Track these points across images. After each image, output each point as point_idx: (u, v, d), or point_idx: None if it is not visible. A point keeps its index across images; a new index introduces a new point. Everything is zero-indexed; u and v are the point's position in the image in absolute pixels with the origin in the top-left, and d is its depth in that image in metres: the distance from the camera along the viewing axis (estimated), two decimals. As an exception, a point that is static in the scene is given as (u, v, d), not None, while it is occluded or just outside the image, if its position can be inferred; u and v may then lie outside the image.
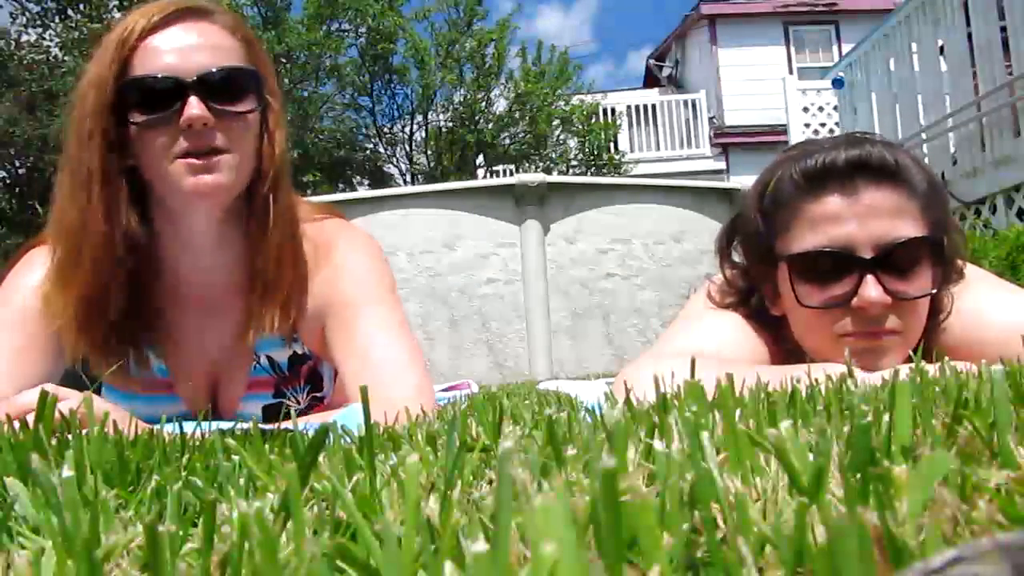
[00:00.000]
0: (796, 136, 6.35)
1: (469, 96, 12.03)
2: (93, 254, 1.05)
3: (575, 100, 12.18)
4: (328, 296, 1.15)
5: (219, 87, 1.05)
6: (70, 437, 0.63)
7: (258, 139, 1.11)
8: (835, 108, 6.24)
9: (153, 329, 1.14)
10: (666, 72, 14.46)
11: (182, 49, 1.04)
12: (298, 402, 1.23)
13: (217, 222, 1.11)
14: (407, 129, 12.69)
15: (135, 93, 1.03)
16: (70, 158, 1.06)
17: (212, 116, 1.03)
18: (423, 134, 12.64)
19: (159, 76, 1.02)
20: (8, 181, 9.87)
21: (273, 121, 1.13)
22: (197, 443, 0.64)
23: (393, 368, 1.08)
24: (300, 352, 1.22)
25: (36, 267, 1.12)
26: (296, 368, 1.23)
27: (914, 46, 4.89)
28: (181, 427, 0.72)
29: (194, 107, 1.01)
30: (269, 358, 1.21)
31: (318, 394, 1.26)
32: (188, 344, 1.18)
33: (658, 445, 0.41)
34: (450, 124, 12.27)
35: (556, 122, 12.09)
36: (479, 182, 8.50)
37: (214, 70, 1.05)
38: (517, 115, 12.03)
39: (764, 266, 1.16)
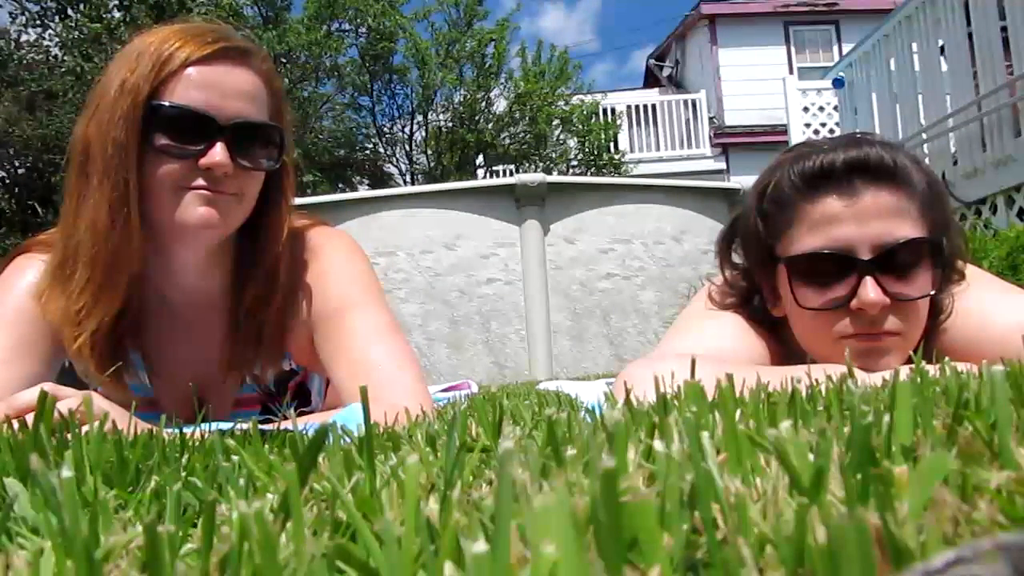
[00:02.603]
0: (796, 136, 6.34)
1: (469, 96, 12.03)
2: (130, 267, 1.04)
3: (575, 100, 12.18)
4: (316, 305, 1.15)
5: (246, 139, 1.06)
6: (69, 437, 0.63)
7: (264, 185, 1.12)
8: (835, 108, 6.23)
9: (137, 335, 1.14)
10: (666, 72, 14.46)
11: (222, 91, 1.04)
12: (286, 418, 1.23)
13: (204, 251, 1.12)
14: (407, 129, 12.69)
15: (166, 117, 1.01)
16: (103, 165, 1.01)
17: (233, 166, 1.04)
18: (423, 134, 12.64)
19: (195, 111, 1.02)
20: (8, 181, 9.87)
21: (285, 174, 1.15)
22: (197, 443, 0.64)
23: (387, 370, 1.08)
24: (287, 368, 1.23)
25: (28, 272, 1.12)
26: (283, 384, 1.24)
27: (914, 46, 4.89)
28: (181, 428, 0.72)
29: (218, 155, 1.02)
30: (255, 376, 1.21)
31: (305, 409, 1.26)
32: (171, 361, 1.18)
33: (658, 445, 0.41)
34: (450, 124, 12.27)
35: (556, 122, 12.09)
36: (479, 182, 8.50)
37: (247, 122, 1.05)
38: (517, 115, 12.03)
39: (764, 267, 1.16)
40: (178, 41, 1.03)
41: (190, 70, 1.02)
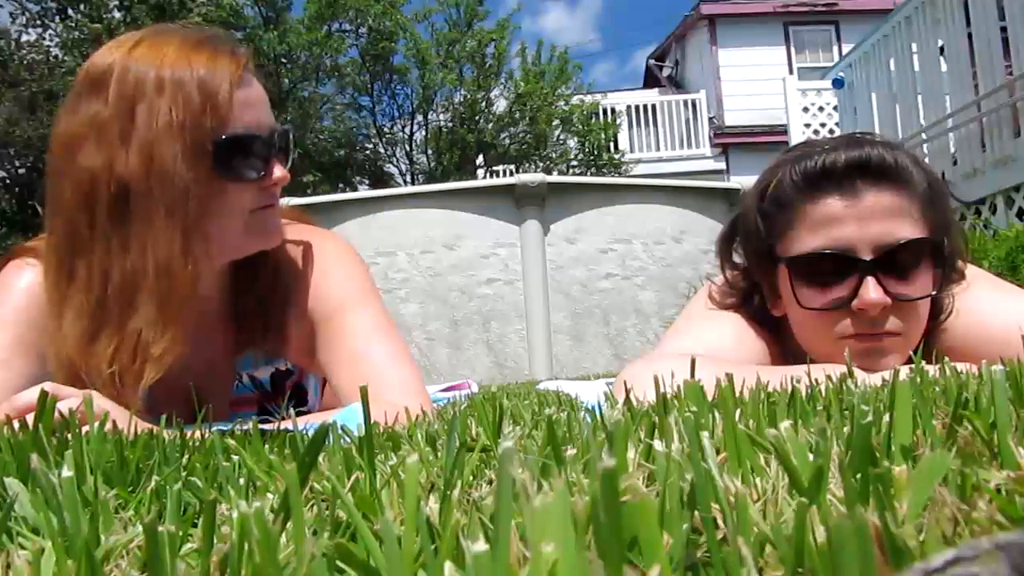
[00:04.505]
0: (796, 136, 6.34)
1: (469, 96, 12.03)
2: (188, 307, 1.03)
3: (575, 100, 12.19)
4: (312, 306, 1.15)
5: (284, 148, 1.09)
6: (70, 437, 0.63)
7: None
8: (835, 108, 6.22)
9: None
10: (666, 72, 14.46)
11: (261, 106, 1.06)
12: (284, 418, 1.23)
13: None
14: (407, 129, 12.70)
15: (232, 146, 1.01)
16: (168, 203, 0.98)
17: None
18: (423, 134, 12.64)
19: (257, 135, 1.04)
20: (8, 181, 9.87)
21: None
22: (197, 443, 0.64)
23: (385, 369, 1.08)
24: (283, 368, 1.22)
25: (24, 274, 1.11)
26: (280, 385, 1.24)
27: (914, 46, 4.89)
28: (181, 427, 0.72)
29: (281, 169, 1.06)
30: (251, 376, 1.21)
31: (302, 409, 1.26)
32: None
33: (658, 445, 0.41)
34: (450, 124, 12.28)
35: (556, 122, 12.09)
36: (479, 182, 8.50)
37: (283, 131, 1.08)
38: (517, 115, 12.04)
39: (764, 267, 1.16)
40: (208, 62, 1.00)
41: (236, 93, 1.02)
